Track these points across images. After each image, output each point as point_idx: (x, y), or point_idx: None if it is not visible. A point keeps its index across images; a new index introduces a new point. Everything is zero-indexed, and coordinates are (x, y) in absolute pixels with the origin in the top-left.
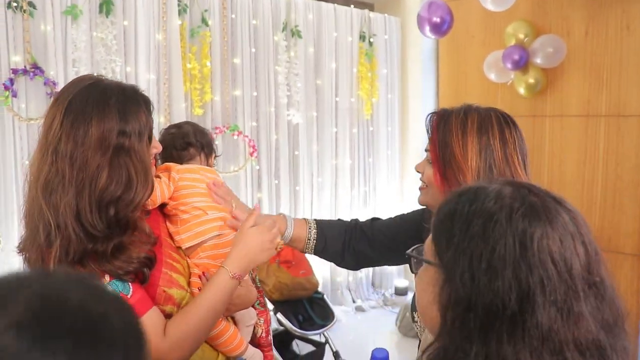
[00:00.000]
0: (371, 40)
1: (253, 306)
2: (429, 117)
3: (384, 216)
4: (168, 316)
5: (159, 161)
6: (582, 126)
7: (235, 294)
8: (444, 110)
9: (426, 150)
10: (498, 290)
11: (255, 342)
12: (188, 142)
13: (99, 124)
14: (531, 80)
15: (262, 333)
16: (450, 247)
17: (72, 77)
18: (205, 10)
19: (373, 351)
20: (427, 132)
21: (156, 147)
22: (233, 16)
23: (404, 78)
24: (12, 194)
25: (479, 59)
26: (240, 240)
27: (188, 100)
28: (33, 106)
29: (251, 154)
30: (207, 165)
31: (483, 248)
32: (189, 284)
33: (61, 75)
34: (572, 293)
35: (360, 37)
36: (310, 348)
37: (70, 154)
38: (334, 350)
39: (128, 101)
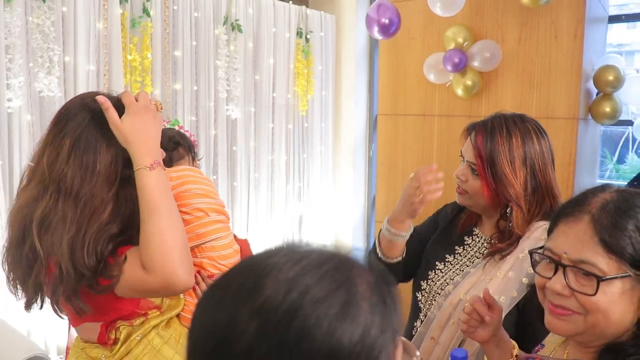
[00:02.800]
0: (308, 36)
1: None
2: (471, 131)
3: (318, 212)
4: (157, 308)
5: None
6: None
7: None
8: (485, 124)
9: (469, 162)
10: None
11: None
12: (176, 142)
13: (106, 155)
14: (469, 82)
15: None
16: None
17: (5, 64)
18: (147, 0)
19: (452, 352)
20: (472, 142)
21: (162, 154)
22: (175, 7)
23: (337, 75)
24: None
25: (419, 60)
26: (130, 128)
27: None
28: None
29: None
30: (193, 165)
31: None
32: None
33: None
34: None
35: (297, 34)
36: None
37: (76, 193)
38: None
39: None
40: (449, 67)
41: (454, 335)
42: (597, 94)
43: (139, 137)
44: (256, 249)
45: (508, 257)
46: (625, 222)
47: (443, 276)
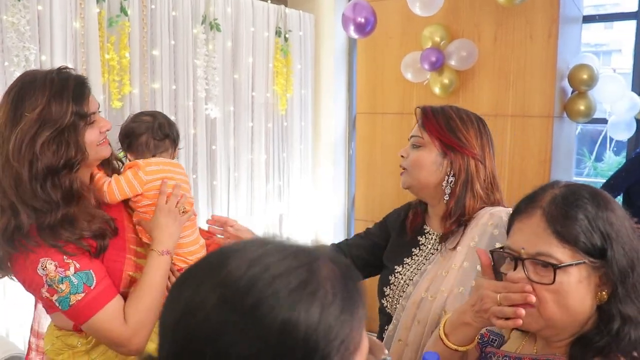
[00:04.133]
0: (287, 36)
1: None
2: (421, 109)
3: (298, 210)
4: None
5: (125, 157)
6: (491, 125)
7: None
8: (433, 106)
9: (413, 136)
10: None
11: None
12: (166, 134)
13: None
14: (446, 81)
15: None
16: (608, 238)
17: None
18: None
19: (424, 355)
20: (418, 121)
21: (106, 126)
22: (153, 7)
23: (316, 74)
24: None
25: (396, 58)
26: (156, 223)
27: (106, 92)
28: None
29: None
30: (172, 157)
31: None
32: None
33: None
34: None
35: (276, 33)
36: None
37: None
38: None
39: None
40: (426, 66)
41: (422, 334)
42: (572, 92)
43: (158, 230)
44: None
45: (459, 247)
46: (575, 212)
47: (402, 278)
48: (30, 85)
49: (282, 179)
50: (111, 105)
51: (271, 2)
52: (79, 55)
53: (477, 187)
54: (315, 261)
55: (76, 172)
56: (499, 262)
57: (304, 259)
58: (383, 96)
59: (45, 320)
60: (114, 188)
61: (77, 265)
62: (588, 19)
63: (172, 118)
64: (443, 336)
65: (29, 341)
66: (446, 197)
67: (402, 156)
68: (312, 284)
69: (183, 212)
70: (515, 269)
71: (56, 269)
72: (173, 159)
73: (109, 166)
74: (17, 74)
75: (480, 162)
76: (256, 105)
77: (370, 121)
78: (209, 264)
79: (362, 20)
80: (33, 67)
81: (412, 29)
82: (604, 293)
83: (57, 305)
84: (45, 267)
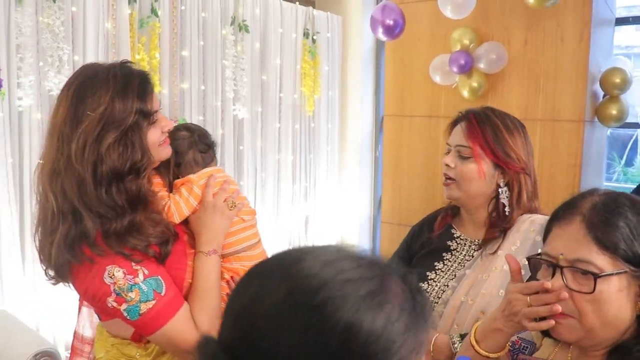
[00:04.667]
0: (314, 37)
1: None
2: (461, 119)
3: (324, 212)
4: None
5: (177, 170)
6: None
7: None
8: (476, 110)
9: (459, 145)
10: None
11: None
12: (207, 144)
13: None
14: (474, 84)
15: None
16: None
17: (15, 63)
18: (155, 0)
19: (458, 358)
20: (463, 130)
21: (167, 125)
22: (182, 8)
23: (344, 76)
24: None
25: (425, 61)
26: (200, 221)
27: None
28: None
29: None
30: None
31: None
32: None
33: (4, 62)
34: None
35: (304, 34)
36: None
37: (71, 136)
38: None
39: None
40: (455, 69)
41: None
42: (603, 97)
43: (203, 228)
44: None
45: (499, 251)
46: (616, 219)
47: (437, 284)
48: (92, 81)
49: (308, 180)
50: None
51: (299, 4)
52: (110, 56)
53: (524, 198)
54: (388, 276)
55: (143, 178)
56: (535, 268)
57: (377, 271)
58: (411, 99)
59: (89, 325)
60: (174, 211)
61: (146, 272)
62: (621, 21)
63: (200, 118)
64: (474, 343)
65: (73, 345)
66: (506, 209)
67: (447, 165)
68: (381, 296)
69: (232, 206)
70: (553, 276)
71: (125, 276)
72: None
73: (167, 164)
74: (51, 73)
75: (527, 174)
76: (283, 107)
77: (398, 124)
78: (280, 260)
79: (391, 22)
80: (66, 67)
81: (441, 31)
82: None
83: (126, 315)
84: (113, 275)
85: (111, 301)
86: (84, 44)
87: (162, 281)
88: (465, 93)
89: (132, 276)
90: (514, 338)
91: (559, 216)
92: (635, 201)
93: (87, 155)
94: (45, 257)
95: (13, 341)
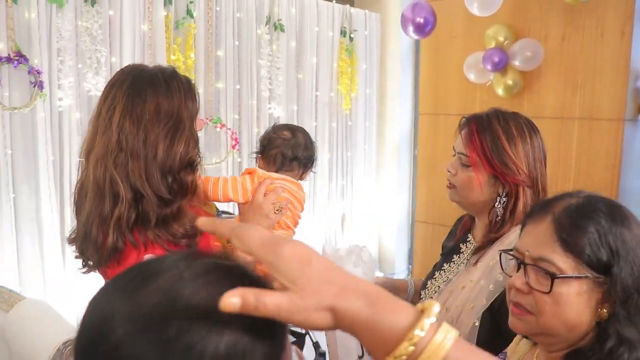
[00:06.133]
0: (352, 35)
1: None
2: (465, 125)
3: (361, 211)
4: None
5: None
6: (557, 127)
7: None
8: (479, 116)
9: (460, 153)
10: None
11: None
12: (295, 156)
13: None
14: (509, 82)
15: None
16: (616, 255)
17: (56, 66)
18: (191, 2)
19: None
20: (463, 139)
21: (200, 125)
22: (218, 8)
23: (382, 74)
24: None
25: (460, 59)
26: (246, 216)
27: None
28: (17, 95)
29: (233, 147)
30: (301, 178)
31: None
32: None
33: (45, 64)
34: None
35: (341, 33)
36: (290, 339)
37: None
38: (314, 341)
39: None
40: (489, 66)
41: None
42: None
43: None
44: None
45: (479, 263)
46: (586, 223)
47: (436, 284)
48: (150, 80)
49: (345, 178)
50: None
51: (336, 2)
52: (147, 57)
53: (519, 211)
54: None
55: (196, 171)
56: (506, 263)
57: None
58: (445, 97)
59: None
60: (220, 186)
61: None
62: None
63: (236, 117)
64: None
65: None
66: (498, 218)
67: (448, 171)
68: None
69: (277, 210)
70: (518, 271)
71: None
72: (300, 179)
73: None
74: (90, 75)
75: (527, 186)
76: (319, 105)
77: (433, 122)
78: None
79: (421, 20)
80: (104, 69)
81: (476, 29)
82: (604, 310)
83: None
84: None
85: None
86: (121, 46)
87: None
88: (500, 91)
89: None
90: None
91: (533, 214)
92: (614, 207)
93: (156, 148)
94: (92, 240)
95: (44, 329)
